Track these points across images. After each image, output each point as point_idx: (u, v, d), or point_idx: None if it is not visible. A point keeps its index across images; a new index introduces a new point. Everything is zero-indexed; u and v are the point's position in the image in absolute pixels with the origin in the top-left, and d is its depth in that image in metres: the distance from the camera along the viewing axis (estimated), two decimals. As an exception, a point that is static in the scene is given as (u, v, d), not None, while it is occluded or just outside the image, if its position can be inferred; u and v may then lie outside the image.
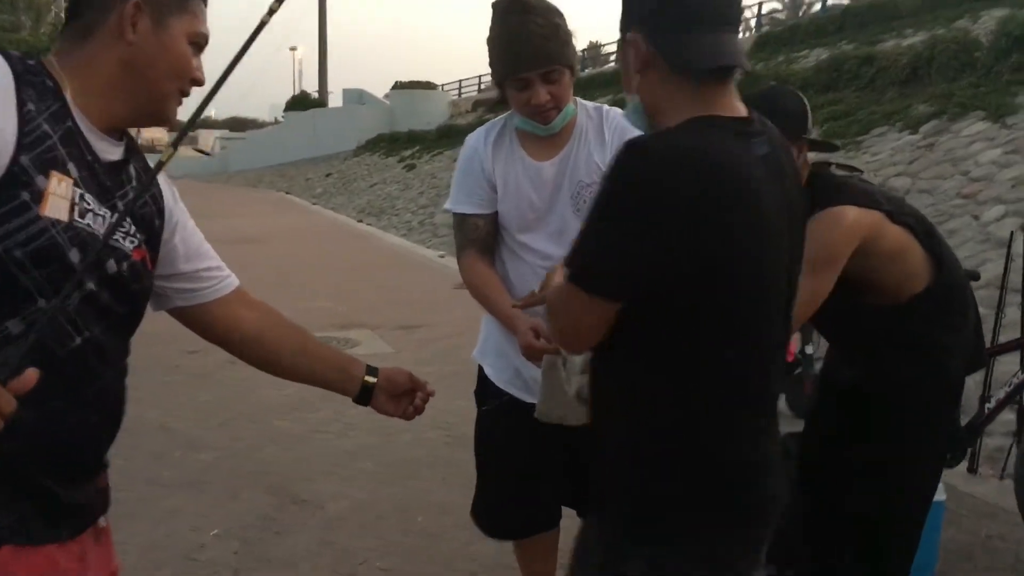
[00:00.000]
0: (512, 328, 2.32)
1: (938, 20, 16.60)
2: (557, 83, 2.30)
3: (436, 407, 2.06)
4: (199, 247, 1.63)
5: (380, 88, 37.30)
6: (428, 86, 37.86)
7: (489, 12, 2.33)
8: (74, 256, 1.28)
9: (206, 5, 1.48)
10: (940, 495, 2.91)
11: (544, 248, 2.43)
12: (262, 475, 4.43)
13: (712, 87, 1.42)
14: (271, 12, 1.16)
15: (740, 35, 1.51)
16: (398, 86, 37.31)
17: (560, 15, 2.32)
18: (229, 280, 1.67)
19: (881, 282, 2.41)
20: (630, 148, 1.35)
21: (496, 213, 2.47)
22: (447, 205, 2.56)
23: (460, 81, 43.63)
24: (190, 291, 1.62)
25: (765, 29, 25.90)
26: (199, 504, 4.06)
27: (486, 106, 31.99)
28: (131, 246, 1.41)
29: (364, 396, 1.78)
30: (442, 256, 12.83)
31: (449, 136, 25.56)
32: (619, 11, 1.50)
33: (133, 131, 1.51)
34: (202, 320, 1.65)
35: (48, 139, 1.28)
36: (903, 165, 9.11)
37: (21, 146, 1.24)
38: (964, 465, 4.01)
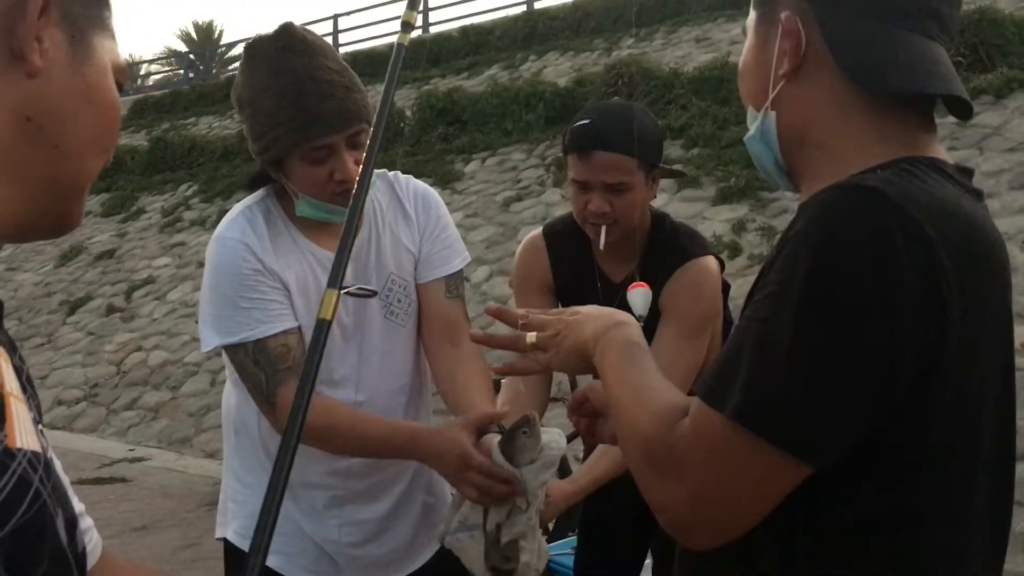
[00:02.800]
0: (429, 449, 1.58)
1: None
2: (362, 148, 1.57)
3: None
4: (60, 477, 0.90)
5: None
6: None
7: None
8: (62, 528, 0.63)
9: None
10: None
11: (352, 377, 1.70)
12: None
13: (916, 117, 0.96)
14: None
15: None
16: None
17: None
18: (96, 540, 0.92)
19: None
20: (855, 192, 0.85)
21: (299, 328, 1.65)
22: (218, 340, 1.62)
23: None
24: None
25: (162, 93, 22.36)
26: None
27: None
28: None
29: None
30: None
31: None
32: None
33: None
34: None
35: None
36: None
37: None
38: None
